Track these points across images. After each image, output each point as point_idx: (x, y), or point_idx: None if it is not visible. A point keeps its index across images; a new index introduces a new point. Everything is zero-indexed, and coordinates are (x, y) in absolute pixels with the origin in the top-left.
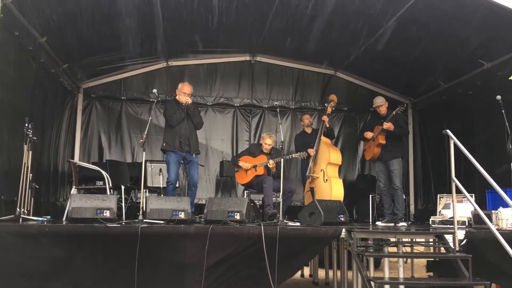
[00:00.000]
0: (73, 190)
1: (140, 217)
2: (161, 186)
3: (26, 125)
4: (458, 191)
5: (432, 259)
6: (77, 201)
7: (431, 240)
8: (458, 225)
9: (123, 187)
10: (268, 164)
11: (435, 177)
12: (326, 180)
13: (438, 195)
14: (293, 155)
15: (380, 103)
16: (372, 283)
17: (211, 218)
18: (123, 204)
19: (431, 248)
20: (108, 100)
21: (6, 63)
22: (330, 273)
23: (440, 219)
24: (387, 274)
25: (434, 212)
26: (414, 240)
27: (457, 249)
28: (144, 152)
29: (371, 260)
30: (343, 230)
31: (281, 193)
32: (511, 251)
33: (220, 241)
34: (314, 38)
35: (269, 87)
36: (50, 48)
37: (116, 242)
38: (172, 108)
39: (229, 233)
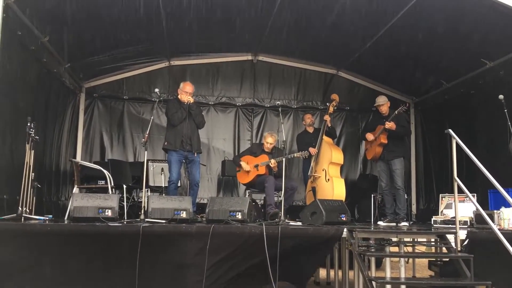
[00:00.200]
0: (75, 189)
1: (142, 217)
2: (163, 185)
3: (29, 124)
4: (460, 191)
5: (434, 259)
6: (79, 200)
7: (432, 240)
8: (460, 225)
9: (125, 187)
10: (270, 164)
11: (437, 177)
12: (328, 179)
13: (440, 194)
14: (295, 154)
15: (381, 103)
16: (374, 282)
17: (212, 217)
18: (124, 204)
19: (433, 248)
20: (110, 100)
21: (8, 63)
22: (332, 272)
23: (442, 219)
24: (388, 274)
25: (436, 212)
26: (415, 240)
27: (459, 249)
28: (146, 152)
29: (373, 259)
30: (345, 229)
31: (282, 192)
32: None
33: (222, 240)
34: (316, 37)
35: (271, 86)
36: (53, 47)
37: (117, 241)
38: (174, 107)
39: (231, 233)
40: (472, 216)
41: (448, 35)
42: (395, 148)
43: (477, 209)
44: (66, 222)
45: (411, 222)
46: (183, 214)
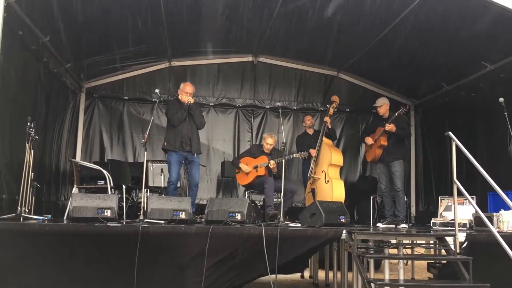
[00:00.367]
0: (74, 190)
1: (141, 217)
2: (162, 186)
3: (29, 124)
4: (460, 193)
5: (433, 262)
6: (78, 200)
7: (431, 242)
8: (459, 227)
9: (124, 187)
10: (269, 165)
11: (437, 179)
12: (328, 181)
13: (440, 197)
14: (294, 155)
15: (379, 104)
16: (372, 284)
17: (212, 218)
18: (124, 204)
19: (432, 250)
20: (111, 100)
21: (9, 62)
22: (330, 274)
23: (441, 221)
24: (387, 276)
25: (435, 214)
26: (414, 242)
27: (458, 251)
28: (145, 152)
29: (372, 261)
30: (344, 231)
31: (282, 193)
32: None
33: (221, 241)
34: (316, 39)
35: (271, 87)
36: (53, 47)
37: (116, 241)
38: (174, 107)
39: (230, 234)
40: (471, 219)
41: (448, 37)
42: (395, 150)
43: (476, 211)
44: (65, 222)
45: (410, 224)
46: (182, 215)
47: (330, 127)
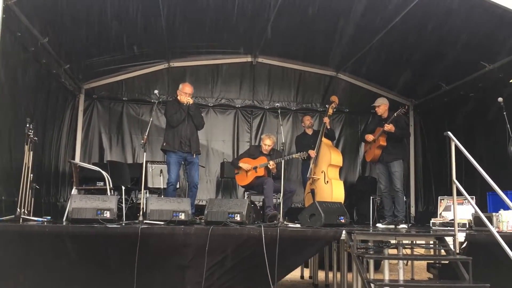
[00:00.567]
0: (74, 191)
1: (140, 218)
2: (162, 187)
3: (28, 125)
4: (459, 193)
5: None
6: (78, 202)
7: (431, 242)
8: (458, 227)
9: (123, 188)
10: (268, 165)
11: (436, 179)
12: (327, 181)
13: (439, 197)
14: (293, 156)
15: (377, 104)
16: (372, 285)
17: (211, 219)
18: (123, 205)
19: (432, 250)
20: (110, 101)
21: (8, 64)
22: (330, 275)
23: (441, 221)
24: (387, 276)
25: (434, 214)
26: (414, 242)
27: (458, 251)
28: (144, 153)
29: (371, 262)
30: (344, 232)
31: (281, 194)
32: (511, 253)
33: (221, 242)
34: (315, 39)
35: (270, 88)
36: (52, 49)
37: (116, 243)
38: (173, 108)
39: (230, 235)
40: (471, 219)
41: (447, 38)
42: (394, 150)
43: (475, 211)
44: (64, 223)
45: (409, 225)
46: (182, 216)
47: (329, 127)
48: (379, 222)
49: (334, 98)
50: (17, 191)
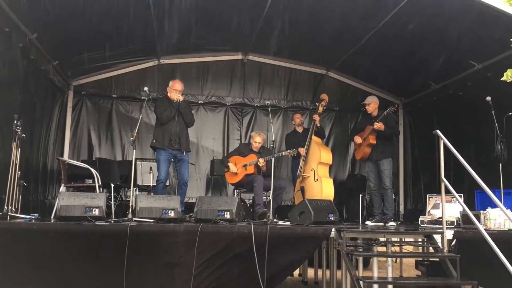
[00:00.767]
0: (62, 188)
1: (130, 216)
2: (151, 184)
3: (15, 122)
4: (447, 191)
5: (421, 259)
6: (66, 199)
7: (420, 240)
8: (446, 225)
9: (112, 185)
10: (259, 163)
11: (425, 177)
12: (317, 179)
13: (428, 195)
14: (283, 153)
15: (367, 102)
16: (361, 282)
17: (201, 217)
18: (112, 203)
19: (420, 247)
20: (99, 98)
21: None
22: (320, 272)
23: (429, 219)
24: (376, 274)
25: (423, 212)
26: (403, 239)
27: (446, 249)
28: (134, 150)
29: (360, 259)
30: (333, 229)
31: (271, 191)
32: (498, 251)
33: (210, 240)
34: (306, 37)
35: (261, 86)
36: (41, 45)
37: (105, 240)
38: (163, 105)
39: (219, 232)
40: (459, 217)
41: (437, 37)
42: (383, 148)
43: (464, 209)
44: (52, 221)
45: (398, 222)
46: (171, 214)
47: (319, 125)
48: (368, 220)
49: (324, 96)
50: (4, 188)
